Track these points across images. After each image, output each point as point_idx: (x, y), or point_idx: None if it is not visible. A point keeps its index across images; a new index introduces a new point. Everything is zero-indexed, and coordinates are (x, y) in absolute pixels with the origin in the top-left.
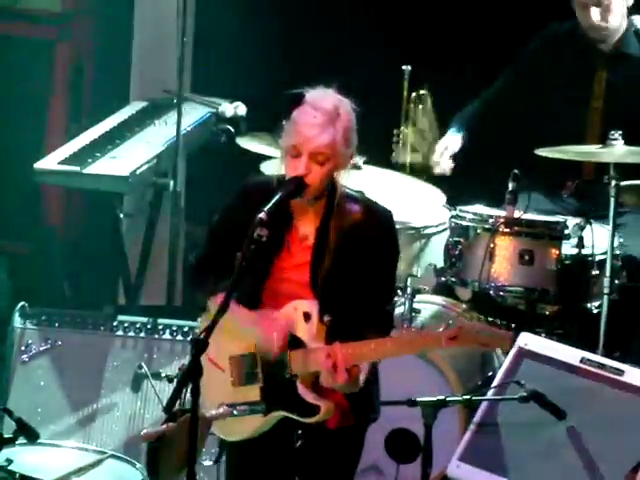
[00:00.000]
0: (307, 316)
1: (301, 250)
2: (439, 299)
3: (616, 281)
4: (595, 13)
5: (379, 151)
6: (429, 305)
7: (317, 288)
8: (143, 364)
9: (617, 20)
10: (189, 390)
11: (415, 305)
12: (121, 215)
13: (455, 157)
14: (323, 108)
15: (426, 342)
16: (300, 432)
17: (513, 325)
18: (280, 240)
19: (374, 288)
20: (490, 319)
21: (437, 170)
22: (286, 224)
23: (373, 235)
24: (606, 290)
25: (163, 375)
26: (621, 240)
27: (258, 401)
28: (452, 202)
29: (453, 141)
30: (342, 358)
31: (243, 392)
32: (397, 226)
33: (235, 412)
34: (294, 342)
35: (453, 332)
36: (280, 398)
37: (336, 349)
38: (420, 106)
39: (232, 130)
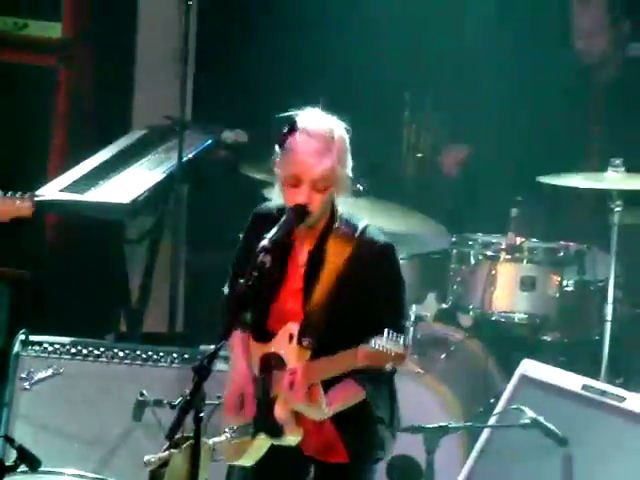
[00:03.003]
0: (291, 338)
1: (297, 277)
2: (441, 326)
3: (618, 308)
4: (580, 42)
5: (381, 178)
6: (431, 333)
7: (305, 313)
8: (144, 391)
9: (603, 49)
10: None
11: (418, 332)
12: (123, 242)
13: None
14: (319, 134)
15: (345, 360)
16: (312, 469)
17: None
18: (282, 267)
19: (380, 322)
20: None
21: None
22: (287, 251)
23: (365, 267)
24: (608, 317)
25: (165, 402)
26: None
27: (249, 423)
28: (454, 229)
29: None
30: (301, 376)
31: (244, 414)
32: (399, 255)
33: (234, 434)
34: (281, 363)
35: (366, 352)
36: (262, 419)
37: (297, 367)
38: (421, 133)
39: (233, 157)
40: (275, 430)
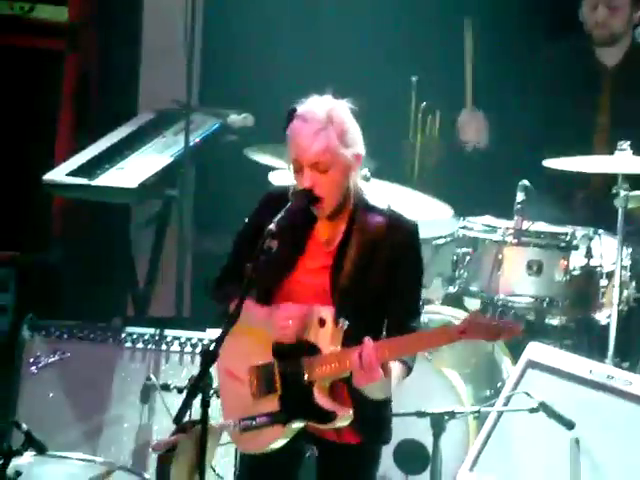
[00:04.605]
0: (322, 322)
1: (320, 255)
2: (448, 310)
3: (625, 292)
4: (603, 12)
5: (388, 162)
6: (438, 316)
7: (336, 293)
8: (152, 375)
9: (621, 25)
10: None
11: (425, 316)
12: (129, 226)
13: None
14: (313, 117)
15: (439, 337)
16: (314, 448)
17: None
18: (301, 243)
19: (400, 302)
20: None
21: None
22: (307, 227)
23: (397, 247)
24: (615, 301)
25: (172, 386)
26: (630, 250)
27: (278, 411)
28: (460, 213)
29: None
30: (375, 355)
31: (263, 403)
32: None
33: (254, 423)
34: (309, 348)
35: (462, 326)
36: (298, 406)
37: (369, 347)
38: (429, 117)
39: (240, 141)
40: (325, 416)
